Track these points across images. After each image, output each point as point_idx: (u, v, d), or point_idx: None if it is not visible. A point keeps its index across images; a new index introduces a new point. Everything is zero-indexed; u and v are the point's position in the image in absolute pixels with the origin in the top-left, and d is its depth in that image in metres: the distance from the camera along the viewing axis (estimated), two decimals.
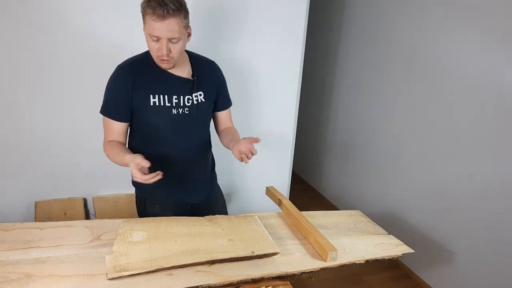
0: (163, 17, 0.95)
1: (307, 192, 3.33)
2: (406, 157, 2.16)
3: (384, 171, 2.37)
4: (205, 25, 1.69)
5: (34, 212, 1.77)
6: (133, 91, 1.12)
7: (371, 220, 1.48)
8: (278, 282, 1.00)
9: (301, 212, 1.34)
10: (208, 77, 1.24)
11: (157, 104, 1.14)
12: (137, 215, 1.37)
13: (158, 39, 1.01)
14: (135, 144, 1.25)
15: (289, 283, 1.01)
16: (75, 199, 1.84)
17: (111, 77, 1.15)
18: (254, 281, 0.98)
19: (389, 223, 1.75)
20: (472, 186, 1.74)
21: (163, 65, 1.09)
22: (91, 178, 1.84)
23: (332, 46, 2.89)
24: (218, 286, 0.94)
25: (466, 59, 1.72)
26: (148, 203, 1.31)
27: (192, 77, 1.19)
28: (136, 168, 0.98)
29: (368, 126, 2.51)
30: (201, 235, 1.11)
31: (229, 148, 1.21)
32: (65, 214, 1.82)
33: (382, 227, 1.43)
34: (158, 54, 1.04)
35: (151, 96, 1.13)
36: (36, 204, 1.77)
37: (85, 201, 1.87)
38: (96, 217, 1.89)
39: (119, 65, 1.16)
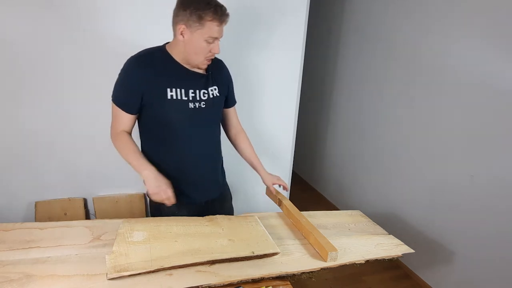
0: (224, 21, 1.09)
1: (307, 192, 3.33)
2: (406, 157, 2.16)
3: (384, 171, 2.37)
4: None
5: (34, 212, 1.77)
6: (148, 83, 1.11)
7: (371, 220, 1.48)
8: (278, 282, 1.00)
9: (301, 212, 1.34)
10: (219, 73, 1.27)
11: (174, 97, 1.13)
12: (137, 215, 1.37)
13: (213, 40, 1.10)
14: (149, 143, 1.22)
15: (289, 283, 1.01)
16: (75, 199, 1.84)
17: (126, 66, 1.13)
18: (254, 281, 0.98)
19: (389, 223, 1.75)
20: (472, 186, 1.74)
21: (204, 66, 1.17)
22: (91, 178, 1.84)
23: (332, 47, 2.89)
24: (218, 286, 0.94)
25: (466, 60, 1.72)
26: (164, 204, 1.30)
27: (206, 72, 1.21)
28: (163, 196, 1.09)
29: (368, 126, 2.51)
30: (201, 235, 1.11)
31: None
32: (65, 214, 1.82)
33: (382, 227, 1.43)
34: (208, 55, 1.13)
35: (168, 89, 1.13)
36: (36, 204, 1.77)
37: (85, 201, 1.87)
38: (96, 217, 1.89)
39: (134, 56, 1.14)
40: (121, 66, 1.17)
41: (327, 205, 3.06)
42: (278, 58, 1.91)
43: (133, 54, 1.19)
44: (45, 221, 1.21)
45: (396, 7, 2.16)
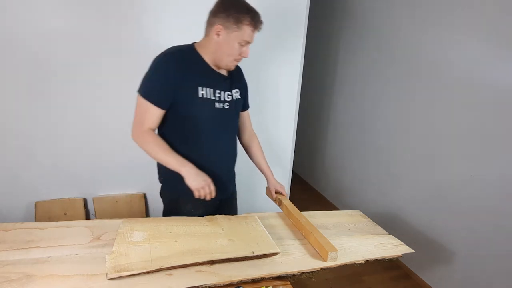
0: (258, 28, 1.16)
1: (307, 192, 3.33)
2: (407, 157, 2.16)
3: (384, 171, 2.37)
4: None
5: (34, 212, 1.77)
6: (182, 80, 1.12)
7: (371, 220, 1.48)
8: (278, 282, 1.00)
9: (301, 212, 1.34)
10: (238, 77, 1.33)
11: (205, 96, 1.16)
12: (137, 215, 1.36)
13: (245, 44, 1.16)
14: (171, 140, 1.21)
15: (289, 283, 1.01)
16: (75, 199, 1.84)
17: (159, 61, 1.13)
18: (254, 281, 0.98)
19: (389, 223, 1.75)
20: (472, 186, 1.74)
21: (232, 68, 1.22)
22: (91, 178, 1.84)
23: (333, 47, 2.89)
24: (218, 286, 0.94)
25: (465, 60, 1.72)
26: (181, 203, 1.30)
27: (228, 76, 1.25)
28: (207, 190, 1.14)
29: (368, 126, 2.51)
30: (201, 235, 1.11)
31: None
32: (65, 214, 1.82)
33: (382, 227, 1.43)
34: (238, 58, 1.18)
35: (200, 88, 1.15)
36: (36, 204, 1.77)
37: (85, 201, 1.87)
38: (96, 217, 1.89)
39: (166, 52, 1.15)
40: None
41: (327, 205, 3.06)
42: (278, 58, 1.91)
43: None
44: (45, 221, 1.20)
45: (397, 7, 2.16)
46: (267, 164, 1.49)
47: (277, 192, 1.47)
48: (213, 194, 1.17)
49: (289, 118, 2.08)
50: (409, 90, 2.10)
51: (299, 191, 3.21)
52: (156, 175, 1.34)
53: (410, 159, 2.13)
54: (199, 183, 1.13)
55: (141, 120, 1.14)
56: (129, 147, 1.82)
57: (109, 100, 1.72)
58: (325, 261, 1.09)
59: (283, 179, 2.19)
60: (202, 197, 1.15)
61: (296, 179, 3.50)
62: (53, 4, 1.50)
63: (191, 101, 1.15)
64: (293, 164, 2.24)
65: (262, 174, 1.49)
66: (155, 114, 1.14)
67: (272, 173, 1.48)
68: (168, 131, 1.21)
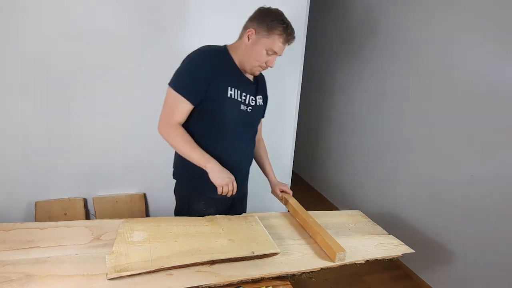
0: (289, 41, 1.18)
1: (307, 192, 3.33)
2: (407, 157, 2.16)
3: (384, 171, 2.37)
4: (205, 29, 1.69)
5: (34, 212, 1.77)
6: (215, 77, 1.14)
7: (371, 220, 1.49)
8: (278, 282, 1.00)
9: None
10: (263, 85, 1.36)
11: (233, 96, 1.18)
12: (137, 215, 1.36)
13: (273, 53, 1.18)
14: (197, 137, 1.21)
15: (289, 283, 1.01)
16: (75, 199, 1.84)
17: (193, 58, 1.15)
18: (254, 281, 0.98)
19: (389, 223, 1.75)
20: (472, 186, 1.74)
21: (256, 73, 1.25)
22: (91, 178, 1.84)
23: (333, 47, 2.89)
24: (218, 286, 0.94)
25: (466, 60, 1.72)
26: (194, 200, 1.31)
27: (254, 82, 1.28)
28: (231, 187, 1.17)
29: (369, 126, 2.51)
30: (201, 235, 1.11)
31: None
32: (65, 214, 1.82)
33: (382, 227, 1.43)
34: (263, 65, 1.21)
35: (229, 88, 1.17)
36: (36, 204, 1.77)
37: (85, 201, 1.87)
38: (96, 217, 1.89)
39: (202, 50, 1.17)
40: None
41: (327, 205, 3.06)
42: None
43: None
44: (45, 221, 1.20)
45: (398, 7, 2.16)
46: (271, 166, 1.51)
47: (282, 191, 1.48)
48: (235, 191, 1.18)
49: (289, 118, 2.08)
50: (409, 91, 2.10)
51: (299, 191, 3.19)
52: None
53: (410, 159, 2.13)
54: (223, 180, 1.15)
55: (169, 114, 1.16)
56: (129, 147, 1.83)
57: (109, 101, 1.72)
58: (333, 261, 1.10)
59: (283, 179, 2.18)
60: (224, 194, 1.17)
61: (296, 179, 3.50)
62: (56, 3, 1.50)
63: (220, 100, 1.17)
64: (293, 164, 2.24)
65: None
66: (184, 108, 1.15)
67: (274, 175, 1.51)
68: (193, 127, 1.22)
